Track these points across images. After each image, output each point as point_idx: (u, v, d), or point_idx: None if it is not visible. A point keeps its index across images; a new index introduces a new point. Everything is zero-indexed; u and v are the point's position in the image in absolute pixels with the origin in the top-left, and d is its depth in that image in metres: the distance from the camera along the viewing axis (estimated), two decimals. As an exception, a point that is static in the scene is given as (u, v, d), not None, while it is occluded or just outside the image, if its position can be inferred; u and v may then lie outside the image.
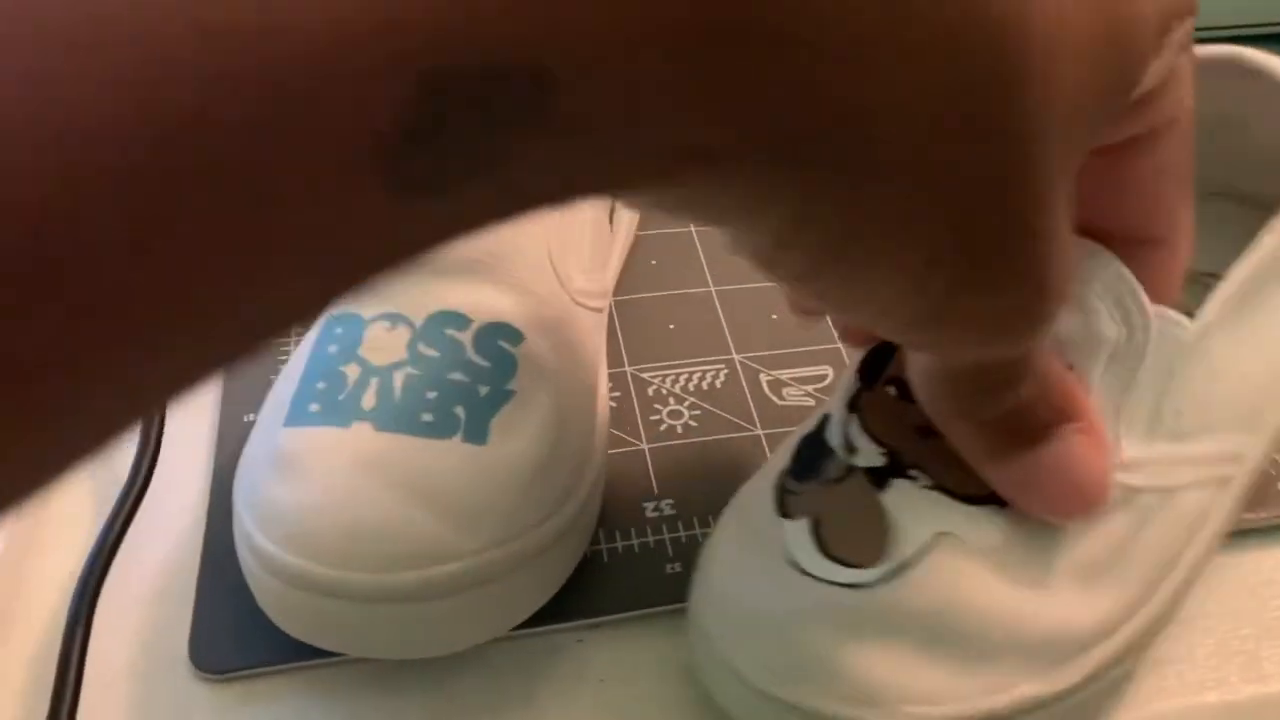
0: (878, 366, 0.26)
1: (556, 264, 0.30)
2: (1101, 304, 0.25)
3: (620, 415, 0.34)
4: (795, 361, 0.36)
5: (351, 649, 0.27)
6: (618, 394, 0.35)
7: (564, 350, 0.29)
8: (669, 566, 0.30)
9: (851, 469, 0.25)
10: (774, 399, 0.35)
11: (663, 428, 0.34)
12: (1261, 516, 0.31)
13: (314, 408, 0.27)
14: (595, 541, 0.30)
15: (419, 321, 0.28)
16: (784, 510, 0.25)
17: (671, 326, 0.37)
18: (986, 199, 0.16)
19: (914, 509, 0.24)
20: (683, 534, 0.31)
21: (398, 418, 0.26)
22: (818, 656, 0.23)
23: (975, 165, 0.15)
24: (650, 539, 0.31)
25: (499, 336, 0.28)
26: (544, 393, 0.28)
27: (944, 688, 0.23)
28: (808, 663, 0.23)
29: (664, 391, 0.35)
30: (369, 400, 0.26)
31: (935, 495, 0.24)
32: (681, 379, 0.35)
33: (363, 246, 0.12)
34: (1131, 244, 0.25)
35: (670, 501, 0.32)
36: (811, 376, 0.36)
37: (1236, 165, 0.32)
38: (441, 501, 0.25)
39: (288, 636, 0.27)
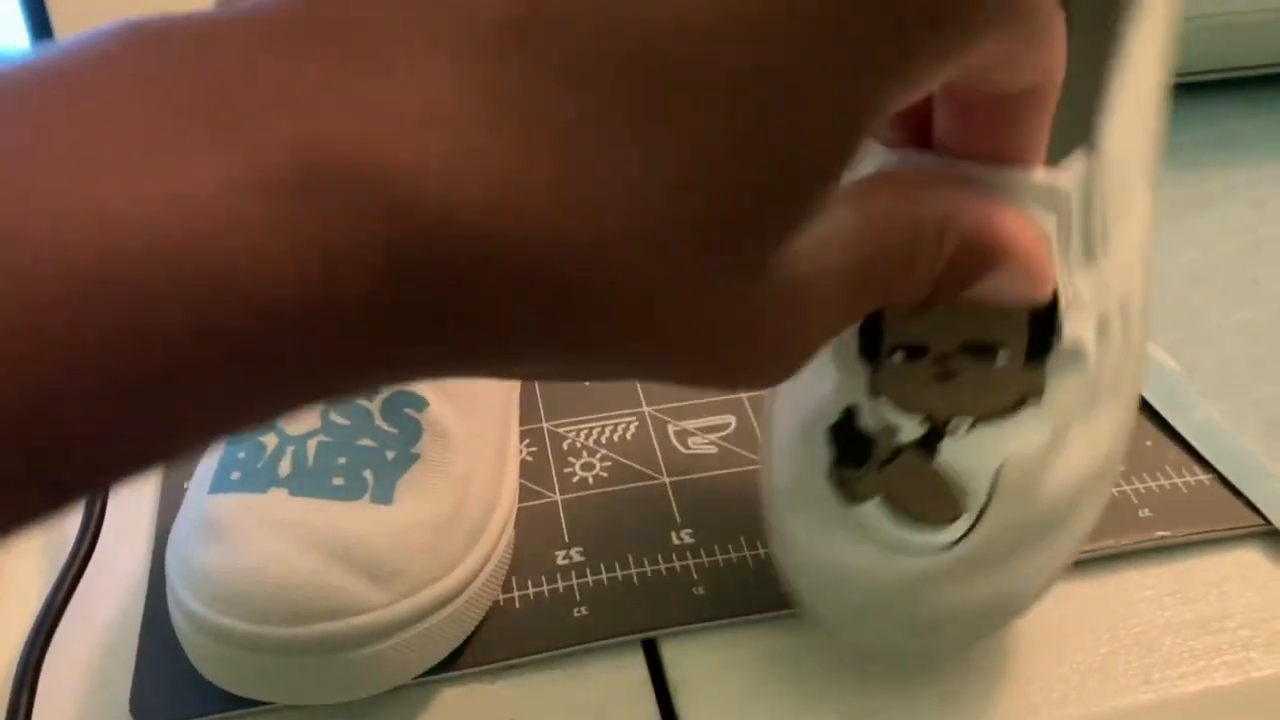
0: (873, 343, 0.27)
1: None
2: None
3: (535, 469, 0.37)
4: (701, 412, 0.39)
5: (276, 697, 0.29)
6: (534, 449, 0.37)
7: (468, 414, 0.32)
8: (576, 610, 0.32)
9: (900, 447, 0.27)
10: (680, 448, 0.37)
11: (575, 479, 0.36)
12: (1123, 543, 0.34)
13: (235, 476, 0.29)
14: (508, 589, 0.33)
15: None
16: (852, 498, 0.27)
17: (587, 382, 0.40)
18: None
19: (969, 457, 0.26)
20: (590, 579, 0.33)
21: (310, 482, 0.29)
22: (934, 616, 0.27)
23: None
24: (560, 585, 0.33)
25: (405, 404, 0.30)
26: (448, 455, 0.30)
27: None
28: (931, 622, 0.27)
29: (578, 444, 0.38)
30: (284, 467, 0.29)
31: (979, 432, 0.26)
32: (595, 432, 0.38)
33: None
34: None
35: (580, 549, 0.34)
36: (715, 425, 0.38)
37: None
38: (352, 558, 0.28)
39: (221, 689, 0.29)
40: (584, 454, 0.37)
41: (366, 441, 0.30)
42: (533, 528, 0.34)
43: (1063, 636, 0.32)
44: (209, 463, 0.31)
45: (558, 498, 0.36)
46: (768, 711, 0.31)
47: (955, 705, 0.31)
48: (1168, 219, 0.45)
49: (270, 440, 0.30)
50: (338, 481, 0.29)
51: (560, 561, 0.34)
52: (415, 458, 0.30)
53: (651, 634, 0.32)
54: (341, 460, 0.29)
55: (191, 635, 0.28)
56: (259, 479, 0.29)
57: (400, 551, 0.28)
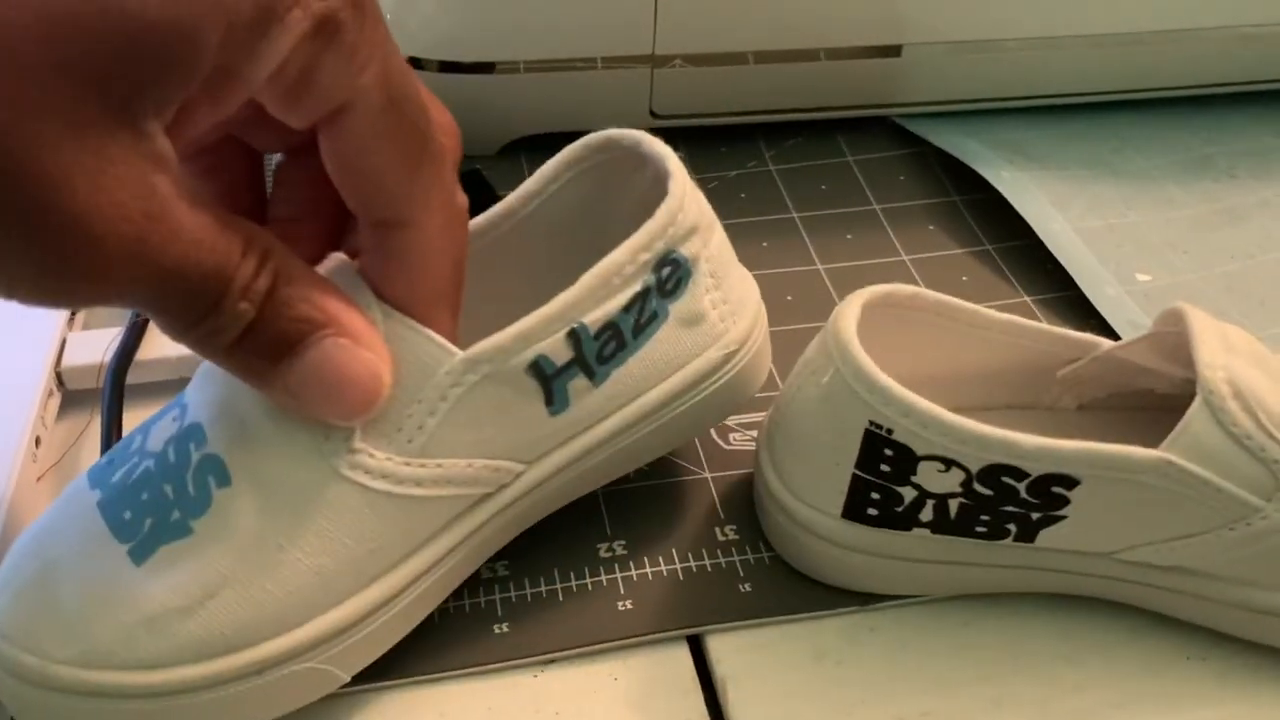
0: None
1: None
2: None
3: (576, 461, 0.36)
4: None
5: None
6: (574, 441, 0.37)
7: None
8: (621, 604, 0.32)
9: None
10: (721, 444, 0.37)
11: (617, 473, 0.36)
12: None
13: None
14: (551, 581, 0.32)
15: None
16: None
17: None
18: None
19: None
20: (634, 573, 0.33)
21: None
22: None
23: None
24: (603, 578, 0.32)
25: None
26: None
27: None
28: None
29: (618, 438, 0.37)
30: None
31: None
32: (635, 426, 0.37)
33: None
34: (376, 228, 0.25)
35: (622, 542, 0.33)
36: (757, 422, 0.38)
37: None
38: None
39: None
40: (624, 448, 0.36)
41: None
42: (575, 519, 0.34)
43: (1118, 643, 0.31)
44: None
45: (599, 491, 0.35)
46: (817, 710, 0.30)
47: (1008, 709, 0.30)
48: (1203, 232, 0.45)
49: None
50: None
51: (603, 554, 0.33)
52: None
53: (698, 630, 0.31)
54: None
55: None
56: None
57: None
